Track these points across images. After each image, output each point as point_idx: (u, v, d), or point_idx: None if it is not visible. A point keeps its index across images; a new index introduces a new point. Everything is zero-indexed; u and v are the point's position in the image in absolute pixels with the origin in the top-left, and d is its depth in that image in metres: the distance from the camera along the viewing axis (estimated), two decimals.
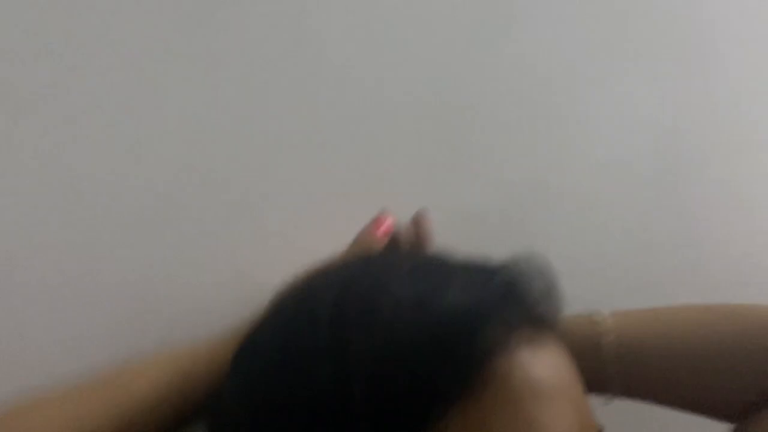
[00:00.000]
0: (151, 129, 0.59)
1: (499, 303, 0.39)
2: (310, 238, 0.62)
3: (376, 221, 0.57)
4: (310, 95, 0.64)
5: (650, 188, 0.74)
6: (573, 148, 0.72)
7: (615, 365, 0.49)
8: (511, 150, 0.70)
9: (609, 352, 0.49)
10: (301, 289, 0.42)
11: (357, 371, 0.36)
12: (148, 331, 0.57)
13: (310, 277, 0.44)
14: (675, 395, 0.50)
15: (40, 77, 0.56)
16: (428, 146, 0.68)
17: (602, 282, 0.71)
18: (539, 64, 0.71)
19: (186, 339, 0.49)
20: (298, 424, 0.37)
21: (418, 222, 0.58)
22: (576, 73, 0.72)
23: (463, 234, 0.66)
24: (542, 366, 0.38)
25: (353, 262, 0.46)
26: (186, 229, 0.60)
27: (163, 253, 0.59)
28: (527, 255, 0.42)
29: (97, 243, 0.57)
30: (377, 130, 0.66)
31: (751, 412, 0.49)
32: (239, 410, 0.40)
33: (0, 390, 0.44)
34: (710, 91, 0.76)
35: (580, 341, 0.49)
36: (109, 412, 0.45)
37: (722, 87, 0.76)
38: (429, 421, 0.35)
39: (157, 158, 0.59)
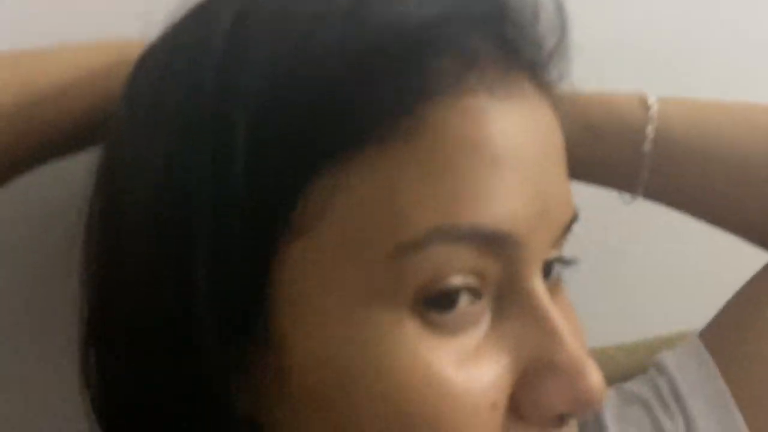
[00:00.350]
0: None
1: (464, 22, 0.30)
2: None
3: None
4: None
5: None
6: None
7: (651, 159, 0.44)
8: None
9: (648, 143, 0.44)
10: None
11: (248, 90, 0.29)
12: None
13: None
14: (709, 206, 0.46)
15: None
16: None
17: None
18: None
19: None
20: (173, 138, 0.31)
21: None
22: None
23: None
24: (501, 123, 0.31)
25: None
26: None
27: None
28: None
29: None
30: None
31: None
32: (128, 125, 0.34)
33: None
34: None
35: (625, 123, 0.44)
36: (14, 84, 0.38)
37: None
38: (318, 169, 0.29)
39: None
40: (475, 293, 0.31)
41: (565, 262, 0.36)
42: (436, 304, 0.30)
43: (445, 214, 0.29)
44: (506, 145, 0.31)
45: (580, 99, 0.41)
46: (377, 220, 0.29)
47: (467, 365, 0.30)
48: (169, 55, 0.34)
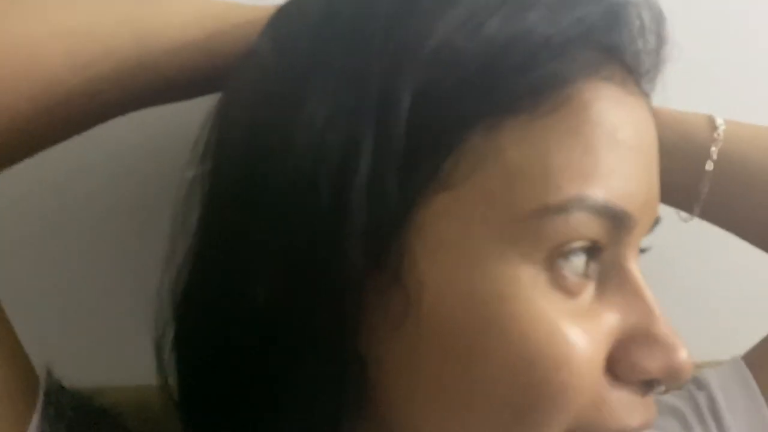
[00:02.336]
0: None
1: (602, 26, 0.35)
2: None
3: None
4: None
5: None
6: None
7: (712, 179, 0.46)
8: None
9: (710, 163, 0.45)
10: None
11: (417, 49, 0.32)
12: None
13: None
14: (766, 231, 0.47)
15: None
16: None
17: None
18: None
19: None
20: (341, 78, 0.33)
21: None
22: None
23: None
24: (630, 114, 0.35)
25: None
26: None
27: None
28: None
29: None
30: None
31: None
32: (262, 74, 0.36)
33: None
34: None
35: (690, 140, 0.46)
36: (130, 32, 0.38)
37: None
38: (473, 127, 0.33)
39: None
40: (592, 264, 0.34)
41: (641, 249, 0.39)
42: (563, 266, 0.33)
43: (587, 186, 0.33)
44: (634, 134, 0.35)
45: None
46: (526, 182, 0.33)
47: (581, 323, 0.33)
48: (323, 18, 0.36)
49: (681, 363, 0.34)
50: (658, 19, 0.37)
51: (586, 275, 0.34)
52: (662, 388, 0.36)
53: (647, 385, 0.35)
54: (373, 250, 0.33)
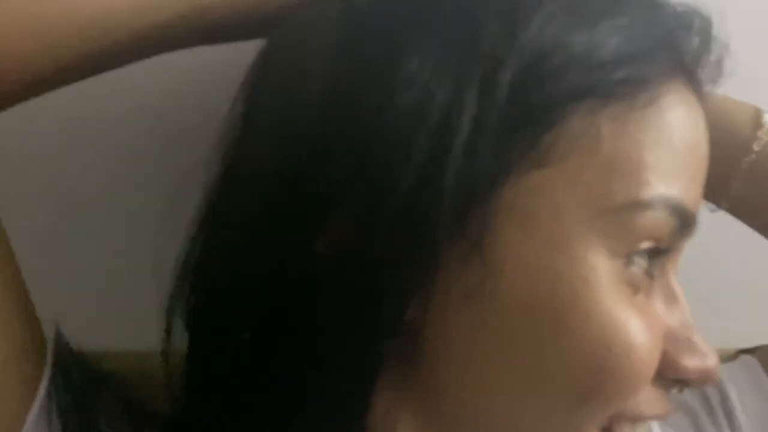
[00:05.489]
0: None
1: (680, 32, 0.37)
2: None
3: None
4: None
5: None
6: None
7: (746, 174, 0.45)
8: None
9: (748, 160, 0.45)
10: None
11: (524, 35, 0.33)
12: None
13: None
14: None
15: None
16: None
17: None
18: None
19: None
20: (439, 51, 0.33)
21: None
22: None
23: None
24: (698, 122, 0.37)
25: None
26: None
27: None
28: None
29: None
30: None
31: None
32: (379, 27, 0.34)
33: None
34: None
35: (731, 132, 0.45)
36: None
37: None
38: (571, 107, 0.33)
39: None
40: (653, 263, 0.35)
41: None
42: (636, 262, 0.34)
43: (668, 185, 0.34)
44: (700, 141, 0.37)
45: None
46: (620, 175, 0.33)
47: (645, 317, 0.34)
48: None
49: (714, 368, 0.36)
50: (719, 30, 0.38)
51: (650, 275, 0.35)
52: (685, 386, 0.37)
53: (678, 384, 0.37)
54: (459, 216, 0.33)
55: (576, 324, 0.33)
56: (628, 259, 0.34)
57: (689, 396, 0.49)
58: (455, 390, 0.35)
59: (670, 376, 0.36)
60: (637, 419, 0.36)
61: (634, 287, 0.34)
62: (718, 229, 0.51)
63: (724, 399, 0.48)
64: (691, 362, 0.35)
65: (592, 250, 0.33)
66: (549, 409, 0.34)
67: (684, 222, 0.35)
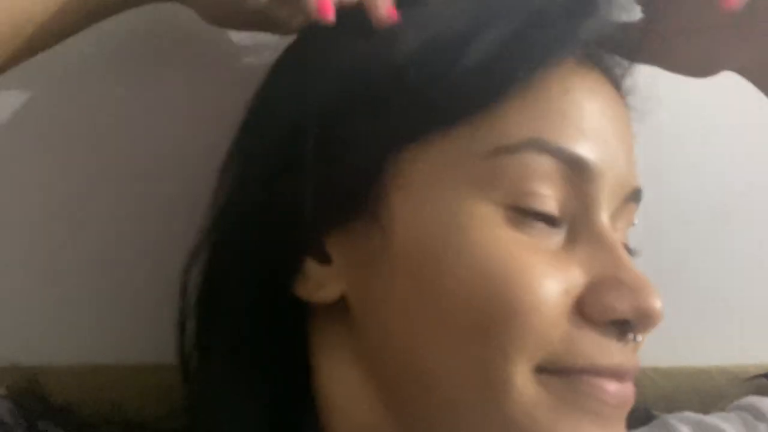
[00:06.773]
0: None
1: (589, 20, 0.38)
2: None
3: None
4: None
5: None
6: None
7: None
8: None
9: None
10: None
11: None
12: None
13: None
14: None
15: None
16: None
17: None
18: None
19: None
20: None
21: None
22: None
23: None
24: (591, 84, 0.39)
25: None
26: None
27: None
28: None
29: None
30: None
31: None
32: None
33: None
34: None
35: None
36: None
37: None
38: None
39: None
40: (553, 218, 0.36)
41: (629, 250, 0.40)
42: (524, 211, 0.36)
43: (540, 131, 0.36)
44: (593, 98, 0.38)
45: None
46: (485, 131, 0.36)
47: (544, 257, 0.36)
48: None
49: (649, 304, 0.35)
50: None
51: (551, 229, 0.36)
52: (635, 334, 0.36)
53: (619, 328, 0.36)
54: (353, 194, 0.37)
55: (459, 267, 0.35)
56: (512, 203, 0.36)
57: (731, 427, 0.48)
58: (387, 346, 0.37)
59: (602, 318, 0.35)
60: (584, 367, 0.35)
61: (529, 233, 0.36)
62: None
63: None
64: (620, 302, 0.35)
65: (468, 200, 0.36)
66: (463, 347, 0.35)
67: (575, 165, 0.36)
